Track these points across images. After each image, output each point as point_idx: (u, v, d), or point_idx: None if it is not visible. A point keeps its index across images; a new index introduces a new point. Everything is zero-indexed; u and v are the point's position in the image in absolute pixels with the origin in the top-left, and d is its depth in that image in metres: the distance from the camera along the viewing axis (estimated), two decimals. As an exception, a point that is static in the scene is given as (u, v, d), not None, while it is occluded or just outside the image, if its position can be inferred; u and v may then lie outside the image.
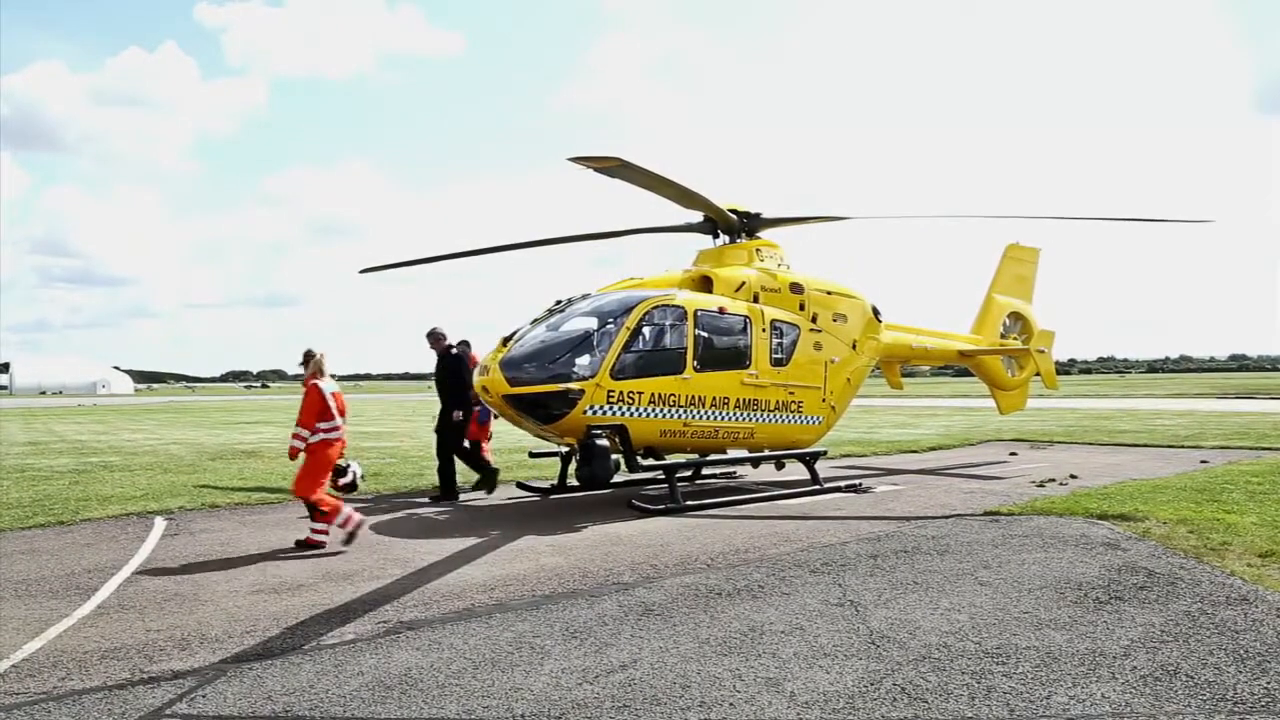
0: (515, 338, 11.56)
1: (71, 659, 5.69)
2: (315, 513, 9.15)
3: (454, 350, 13.13)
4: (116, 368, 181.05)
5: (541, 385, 10.98)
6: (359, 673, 5.32)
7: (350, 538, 9.08)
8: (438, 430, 12.88)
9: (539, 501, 12.63)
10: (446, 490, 12.66)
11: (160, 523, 10.76)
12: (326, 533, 9.14)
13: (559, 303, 12.45)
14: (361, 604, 6.93)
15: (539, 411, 11.10)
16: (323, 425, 9.23)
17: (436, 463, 12.94)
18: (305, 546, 9.03)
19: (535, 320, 12.06)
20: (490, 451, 13.94)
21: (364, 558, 8.64)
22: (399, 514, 11.38)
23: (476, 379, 11.58)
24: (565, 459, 12.93)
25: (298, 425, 9.20)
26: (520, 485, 13.63)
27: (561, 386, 10.98)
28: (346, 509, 9.18)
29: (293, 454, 9.27)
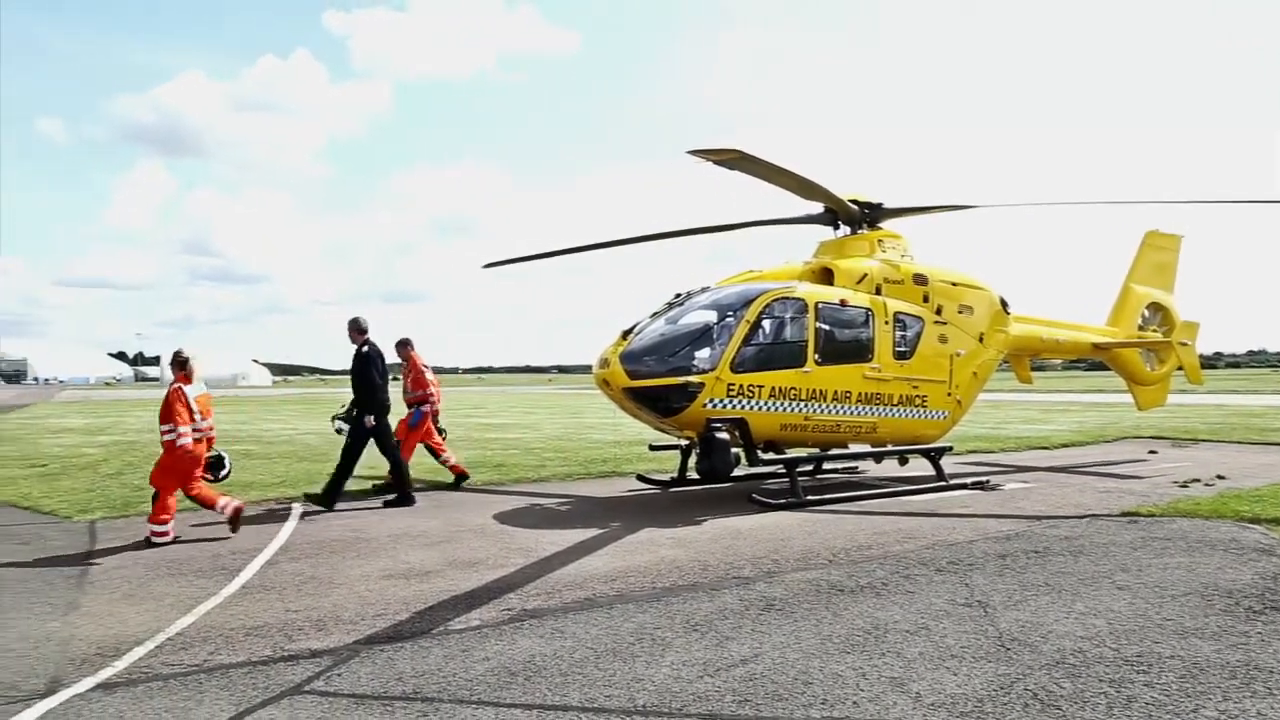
0: (635, 331, 11.63)
1: (219, 635, 6.01)
2: (156, 508, 9.30)
3: (364, 348, 11.63)
4: (255, 360, 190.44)
5: (661, 378, 11.03)
6: (485, 658, 5.45)
7: (234, 523, 9.43)
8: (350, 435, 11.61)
9: (659, 494, 12.69)
10: (327, 495, 11.40)
11: (297, 508, 11.26)
12: (168, 534, 9.21)
13: (678, 296, 12.47)
14: (486, 591, 7.10)
15: (659, 405, 11.15)
16: (174, 430, 9.25)
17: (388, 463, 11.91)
18: (147, 543, 9.09)
19: (654, 314, 12.11)
20: (447, 451, 13.49)
21: (489, 546, 8.85)
22: (521, 504, 11.60)
23: (596, 371, 11.70)
24: (685, 452, 12.96)
25: (165, 424, 9.27)
26: (640, 478, 13.71)
27: (681, 380, 11.00)
28: (223, 498, 9.52)
29: (194, 449, 9.40)
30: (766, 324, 11.80)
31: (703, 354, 11.28)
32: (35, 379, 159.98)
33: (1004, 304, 14.24)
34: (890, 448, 12.88)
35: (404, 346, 13.45)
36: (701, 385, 11.02)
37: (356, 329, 11.80)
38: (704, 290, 12.47)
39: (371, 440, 11.50)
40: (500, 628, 6.10)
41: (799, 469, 12.15)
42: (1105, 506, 10.97)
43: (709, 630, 5.96)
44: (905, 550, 8.53)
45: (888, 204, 13.80)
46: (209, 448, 9.95)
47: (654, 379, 11.05)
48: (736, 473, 11.30)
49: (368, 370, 11.49)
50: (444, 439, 13.97)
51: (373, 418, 11.40)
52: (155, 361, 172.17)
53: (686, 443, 12.52)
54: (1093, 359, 18.25)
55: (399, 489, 11.72)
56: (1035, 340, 15.60)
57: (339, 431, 12.21)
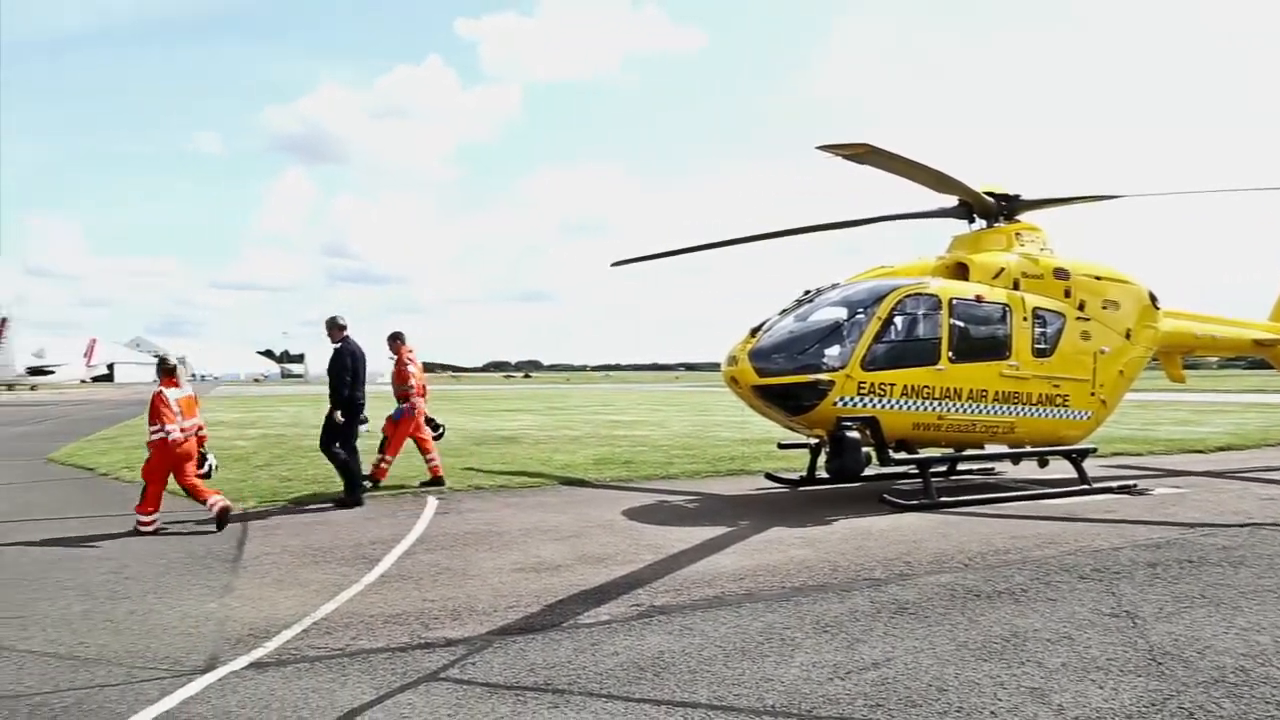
0: (764, 328, 11.55)
1: (360, 621, 6.28)
2: (143, 499, 9.73)
3: (337, 344, 11.75)
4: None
5: (790, 376, 10.92)
6: (614, 652, 5.51)
7: (220, 521, 9.74)
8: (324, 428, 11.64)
9: (787, 493, 12.57)
10: (349, 493, 11.40)
11: (433, 502, 11.63)
12: (151, 524, 9.67)
13: (807, 293, 12.32)
14: (615, 586, 7.18)
15: (788, 402, 11.05)
16: (163, 429, 9.68)
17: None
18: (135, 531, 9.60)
19: (783, 311, 12.00)
20: (433, 452, 13.11)
21: (618, 542, 8.95)
22: (649, 501, 11.67)
23: (724, 369, 11.67)
24: (814, 451, 12.80)
25: (153, 424, 9.78)
26: (769, 476, 13.61)
27: (811, 377, 10.87)
28: (214, 496, 9.90)
29: (184, 444, 9.90)
30: (898, 321, 11.53)
31: (833, 351, 11.11)
32: (192, 375, 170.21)
33: (1153, 298, 13.52)
34: (1029, 449, 12.41)
35: (393, 340, 13.36)
36: (831, 383, 10.86)
37: (334, 326, 11.98)
38: (834, 287, 12.28)
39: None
40: (629, 623, 6.16)
41: (932, 469, 11.83)
42: (1268, 515, 10.30)
43: (839, 632, 5.88)
44: (1046, 556, 8.21)
45: (1025, 195, 13.29)
46: (200, 445, 10.36)
47: (783, 376, 10.95)
48: (867, 472, 11.09)
49: (341, 366, 11.57)
50: (440, 435, 13.81)
51: (339, 414, 11.45)
52: (300, 359, 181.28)
53: (816, 441, 12.36)
54: (1254, 357, 17.14)
55: (347, 491, 11.43)
56: (1188, 337, 14.75)
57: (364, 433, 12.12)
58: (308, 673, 5.23)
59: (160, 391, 9.99)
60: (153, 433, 9.85)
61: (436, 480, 12.87)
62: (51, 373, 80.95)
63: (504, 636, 5.91)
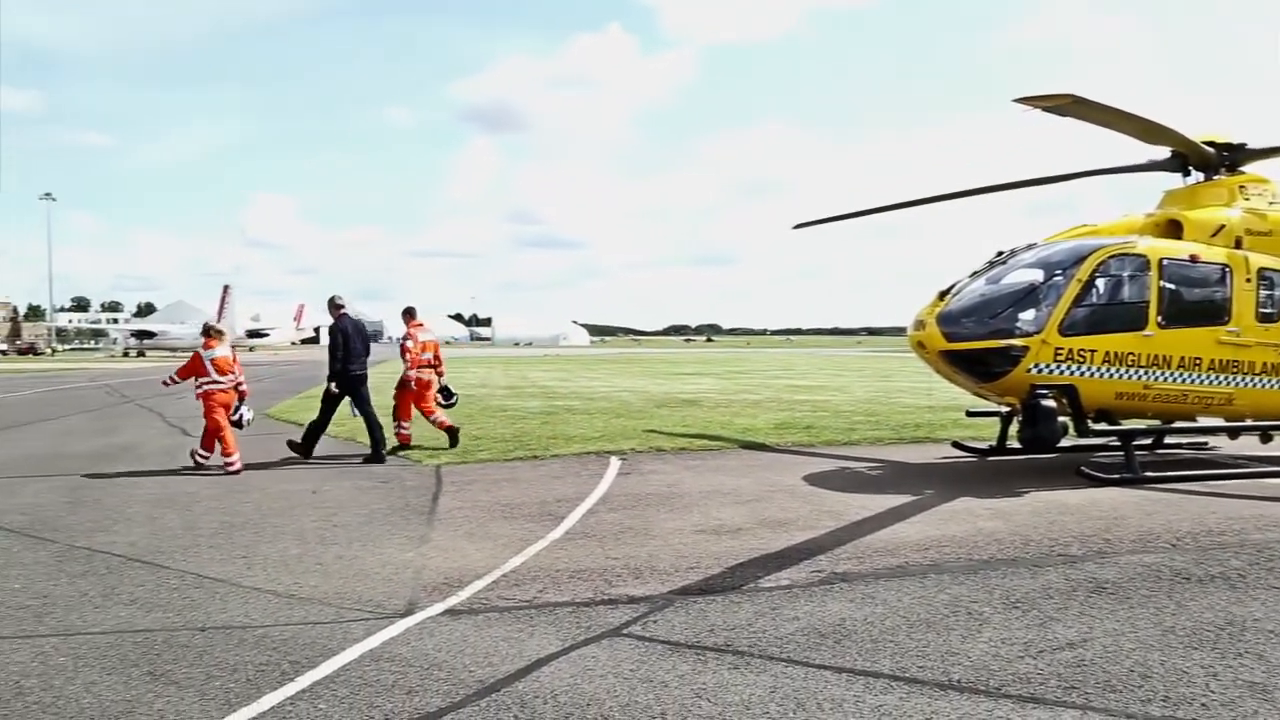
0: (953, 291, 11.10)
1: (547, 575, 6.51)
2: (222, 446, 11.49)
3: (337, 321, 12.51)
4: (574, 322, 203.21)
5: (981, 341, 10.46)
6: (794, 618, 5.49)
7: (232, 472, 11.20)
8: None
9: (975, 463, 12.12)
10: (305, 443, 12.38)
11: (615, 462, 11.88)
12: (207, 457, 11.59)
13: (1000, 254, 11.73)
14: (796, 552, 7.14)
15: (978, 369, 10.60)
16: (204, 379, 11.66)
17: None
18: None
19: (974, 273, 11.47)
20: (438, 413, 13.38)
21: (799, 507, 8.88)
22: (831, 467, 11.52)
23: (910, 333, 11.31)
24: (1005, 420, 12.25)
25: (198, 378, 11.71)
26: (956, 445, 13.14)
27: (1003, 343, 10.37)
28: (237, 455, 11.45)
29: (165, 384, 12.73)
30: (1101, 283, 10.81)
31: (1027, 315, 10.55)
32: (389, 339, 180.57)
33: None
34: (1249, 422, 11.42)
35: (405, 316, 13.82)
36: (1025, 349, 10.33)
37: (332, 306, 12.89)
38: (1030, 247, 11.63)
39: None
40: (810, 589, 6.12)
41: (1135, 442, 11.09)
42: None
43: (1030, 609, 5.63)
44: (1268, 539, 7.56)
45: (1252, 144, 12.12)
46: (241, 399, 12.06)
47: (973, 342, 10.51)
48: (1062, 443, 10.53)
49: (332, 343, 12.50)
50: (452, 403, 14.13)
51: (333, 385, 12.32)
52: (487, 323, 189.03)
53: (1007, 410, 11.81)
54: None
55: (373, 449, 12.29)
56: None
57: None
58: (497, 622, 5.48)
59: (198, 351, 11.88)
60: (196, 386, 11.78)
61: (404, 445, 13.22)
62: (267, 335, 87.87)
63: (685, 596, 5.99)
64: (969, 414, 13.36)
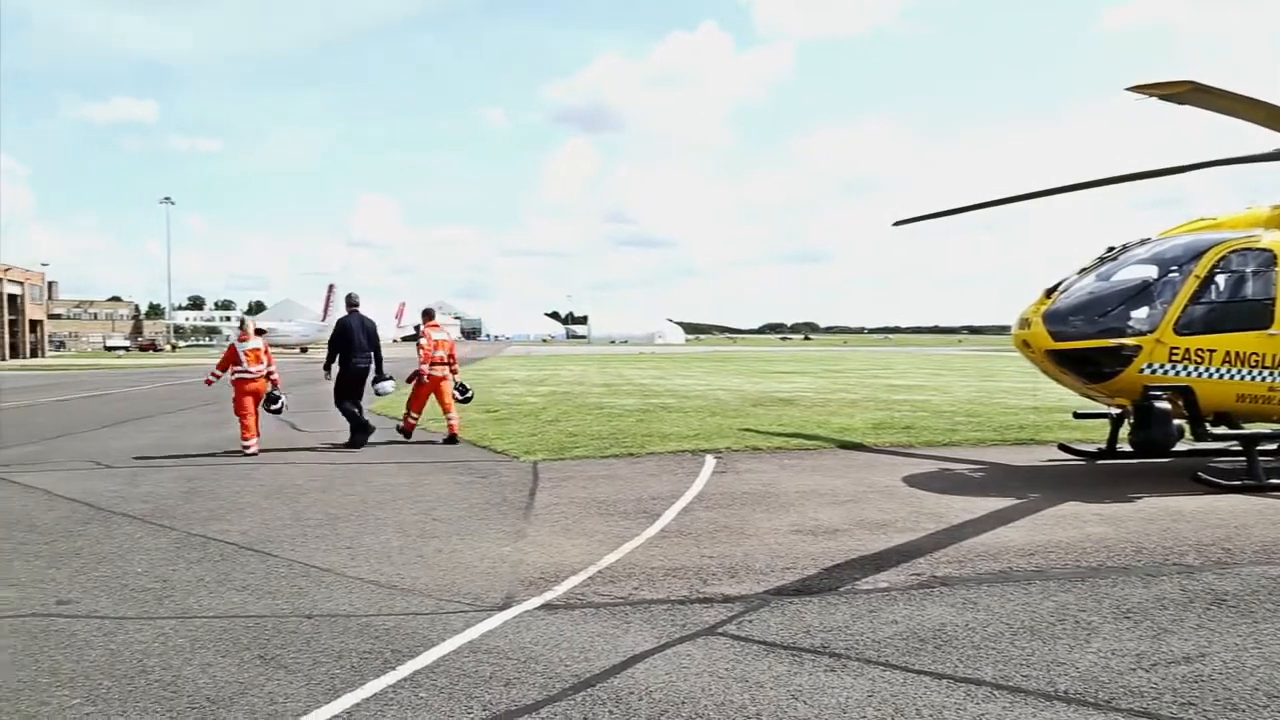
0: (1060, 288, 10.72)
1: (642, 572, 6.53)
2: (241, 430, 12.86)
3: (343, 316, 14.14)
4: (670, 320, 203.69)
5: (1090, 340, 10.08)
6: (892, 621, 5.39)
7: (243, 451, 12.54)
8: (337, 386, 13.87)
9: (1083, 466, 11.69)
10: (356, 432, 13.54)
11: (710, 460, 11.84)
12: (252, 447, 12.70)
13: (1111, 249, 11.28)
14: (894, 554, 7.01)
15: (1086, 369, 10.23)
16: (237, 368, 13.07)
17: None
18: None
19: (1083, 269, 11.06)
20: (454, 411, 14.10)
21: (897, 509, 8.72)
22: (931, 468, 11.27)
23: (1015, 332, 10.98)
24: (1115, 422, 11.78)
25: (232, 368, 13.19)
26: (1062, 447, 12.71)
27: (1114, 342, 9.98)
28: (256, 440, 12.82)
29: (208, 383, 13.89)
30: (1221, 280, 10.31)
31: (1140, 313, 10.13)
32: (487, 336, 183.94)
33: None
34: None
35: (423, 316, 14.91)
36: (1138, 348, 9.92)
37: (347, 302, 14.41)
38: (1143, 243, 11.16)
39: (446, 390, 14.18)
40: (909, 592, 6.00)
41: (1260, 447, 10.54)
42: None
43: (1143, 619, 5.40)
44: (1405, 551, 7.10)
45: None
46: (274, 387, 13.44)
47: (1082, 340, 10.14)
48: (1177, 447, 10.07)
49: (333, 336, 14.02)
50: (467, 398, 15.18)
51: (326, 374, 14.11)
52: (583, 321, 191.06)
53: (1118, 411, 11.36)
54: None
55: (353, 433, 13.56)
56: None
57: (379, 393, 14.59)
58: (593, 617, 5.52)
59: (233, 344, 13.42)
60: (231, 376, 13.16)
61: (451, 438, 13.90)
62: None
63: (780, 597, 5.93)
64: (1076, 415, 12.88)
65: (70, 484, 10.34)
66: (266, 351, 13.46)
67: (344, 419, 13.80)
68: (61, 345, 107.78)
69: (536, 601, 5.84)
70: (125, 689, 4.44)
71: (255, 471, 11.19)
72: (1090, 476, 10.85)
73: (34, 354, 73.99)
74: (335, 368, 13.99)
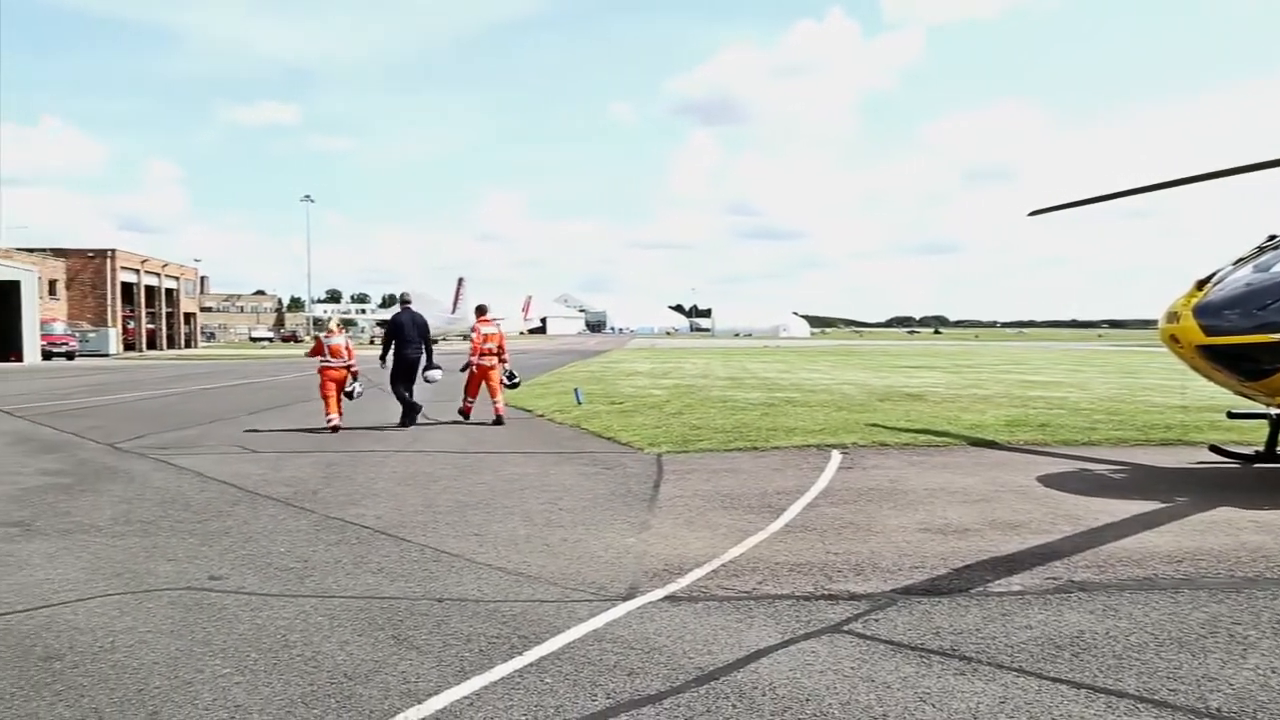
0: (1214, 281, 10.11)
1: (766, 567, 6.48)
2: (326, 407, 14.94)
3: (396, 313, 16.34)
4: (795, 313, 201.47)
5: (1247, 335, 9.46)
6: (1027, 626, 5.19)
7: (333, 430, 14.48)
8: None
9: (1237, 470, 10.99)
10: (406, 413, 15.38)
11: (836, 456, 11.65)
12: (336, 420, 14.81)
13: (1272, 238, 10.56)
14: (1028, 556, 6.75)
15: (1243, 366, 9.62)
16: (321, 360, 15.22)
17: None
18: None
19: (1239, 260, 10.39)
20: (500, 397, 15.96)
21: (1032, 509, 8.39)
22: (1068, 468, 10.80)
23: (1162, 326, 10.41)
24: (1275, 423, 11.04)
25: (307, 354, 16.22)
26: (1214, 449, 11.97)
27: (1274, 337, 9.36)
28: (335, 417, 14.81)
29: (329, 372, 15.20)
30: (1396, 270, 9.54)
31: (1303, 307, 9.45)
32: (612, 329, 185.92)
33: None
34: None
35: (476, 312, 16.69)
36: (1304, 344, 9.25)
37: (400, 300, 16.77)
38: (1308, 231, 10.42)
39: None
40: (1044, 596, 5.77)
41: None
42: None
43: (1307, 634, 5.04)
44: None
45: None
46: (354, 377, 15.41)
47: (1238, 335, 9.53)
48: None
49: (387, 331, 16.20)
50: (515, 384, 17.44)
51: (382, 363, 15.75)
52: (707, 314, 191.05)
53: (1277, 412, 10.66)
54: None
55: (404, 415, 15.38)
56: None
57: (428, 380, 16.08)
58: (716, 610, 5.51)
59: (319, 337, 15.70)
60: (320, 363, 15.28)
61: (497, 419, 15.63)
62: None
63: (908, 596, 5.79)
64: (1230, 415, 12.13)
65: (220, 467, 10.96)
66: (348, 346, 15.54)
67: (398, 401, 15.49)
68: (212, 336, 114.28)
69: (660, 593, 5.86)
70: (270, 661, 4.67)
71: (389, 460, 11.61)
72: (1246, 481, 10.21)
73: (187, 345, 78.70)
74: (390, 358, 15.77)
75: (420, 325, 16.02)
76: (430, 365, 15.97)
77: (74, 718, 4.05)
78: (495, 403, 15.84)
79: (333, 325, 16.02)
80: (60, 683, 4.43)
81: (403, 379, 15.48)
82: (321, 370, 15.24)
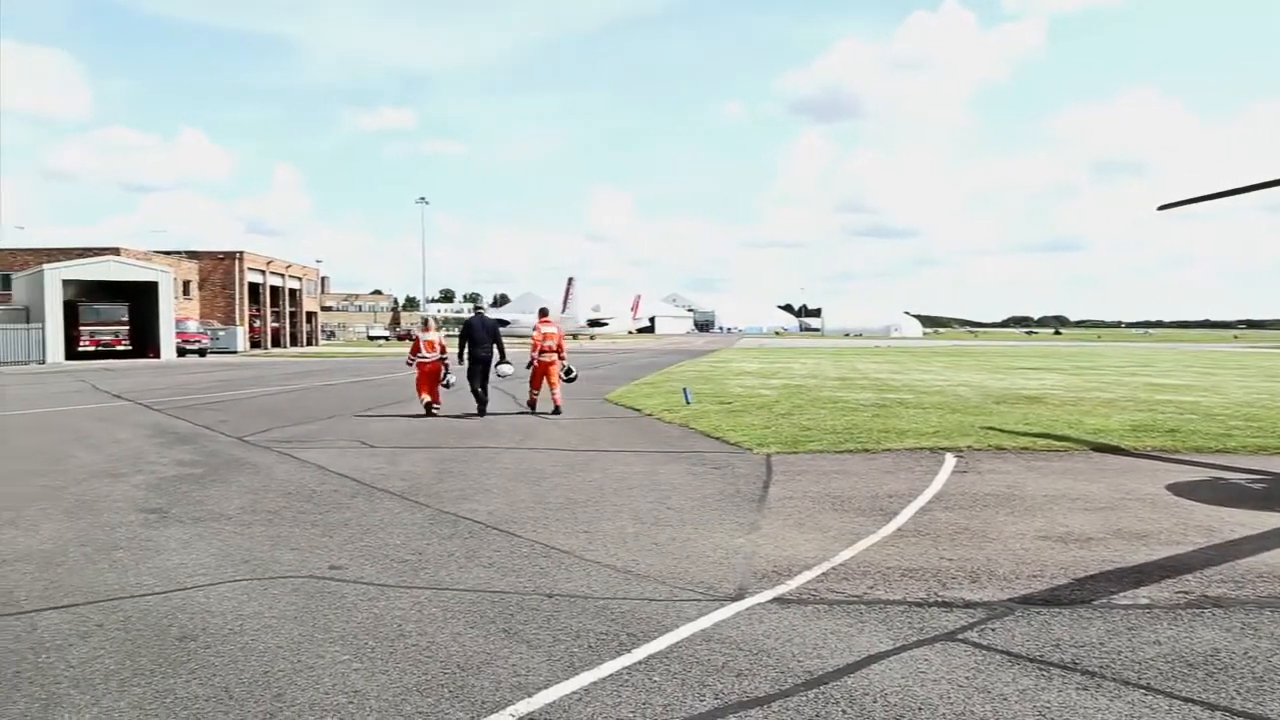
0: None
1: (877, 571, 6.36)
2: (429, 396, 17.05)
3: (470, 318, 18.35)
4: (907, 312, 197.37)
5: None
6: (1155, 641, 4.95)
7: (428, 409, 16.89)
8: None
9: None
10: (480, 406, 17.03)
11: (950, 459, 11.35)
12: (434, 406, 17.00)
13: None
14: (1156, 568, 6.44)
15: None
16: (417, 356, 17.39)
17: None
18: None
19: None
20: (558, 389, 17.39)
21: (1160, 519, 8.01)
22: (1200, 476, 10.28)
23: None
24: None
25: (414, 353, 17.61)
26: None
27: None
28: (429, 399, 16.94)
29: (426, 366, 17.42)
30: None
31: None
32: (720, 328, 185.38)
33: None
34: None
35: (539, 314, 18.57)
36: None
37: (475, 306, 19.48)
38: None
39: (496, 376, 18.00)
40: (1174, 610, 5.50)
41: None
42: None
43: None
44: None
45: None
46: (446, 370, 17.47)
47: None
48: None
49: (461, 334, 17.80)
50: (572, 379, 18.27)
51: (458, 361, 17.56)
52: (817, 313, 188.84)
53: None
54: None
55: (479, 406, 17.02)
56: None
57: (500, 374, 17.98)
58: (826, 614, 5.43)
59: (417, 335, 18.32)
60: (417, 358, 17.34)
61: (548, 408, 17.21)
62: (606, 324, 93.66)
63: (1026, 606, 5.60)
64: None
65: (340, 461, 11.37)
66: (441, 343, 17.74)
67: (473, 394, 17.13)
68: (331, 335, 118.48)
69: (769, 594, 5.82)
70: (386, 650, 4.82)
71: (500, 456, 11.85)
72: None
73: (309, 342, 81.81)
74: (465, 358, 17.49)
75: (490, 328, 17.90)
76: (502, 360, 17.65)
77: (206, 695, 4.26)
78: (554, 394, 17.39)
79: (430, 324, 18.81)
80: (194, 661, 4.67)
81: (476, 375, 17.23)
82: (419, 365, 17.37)
